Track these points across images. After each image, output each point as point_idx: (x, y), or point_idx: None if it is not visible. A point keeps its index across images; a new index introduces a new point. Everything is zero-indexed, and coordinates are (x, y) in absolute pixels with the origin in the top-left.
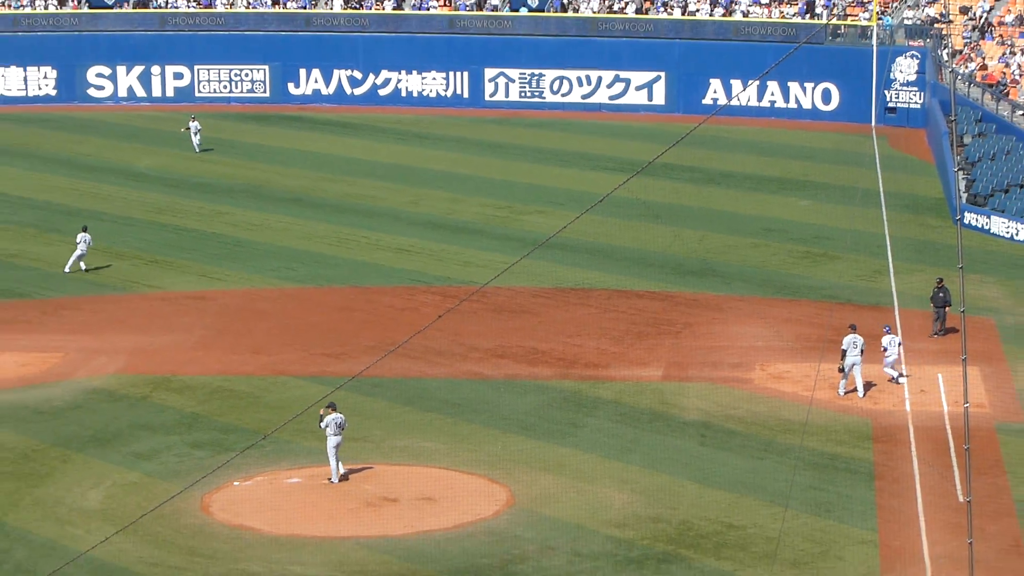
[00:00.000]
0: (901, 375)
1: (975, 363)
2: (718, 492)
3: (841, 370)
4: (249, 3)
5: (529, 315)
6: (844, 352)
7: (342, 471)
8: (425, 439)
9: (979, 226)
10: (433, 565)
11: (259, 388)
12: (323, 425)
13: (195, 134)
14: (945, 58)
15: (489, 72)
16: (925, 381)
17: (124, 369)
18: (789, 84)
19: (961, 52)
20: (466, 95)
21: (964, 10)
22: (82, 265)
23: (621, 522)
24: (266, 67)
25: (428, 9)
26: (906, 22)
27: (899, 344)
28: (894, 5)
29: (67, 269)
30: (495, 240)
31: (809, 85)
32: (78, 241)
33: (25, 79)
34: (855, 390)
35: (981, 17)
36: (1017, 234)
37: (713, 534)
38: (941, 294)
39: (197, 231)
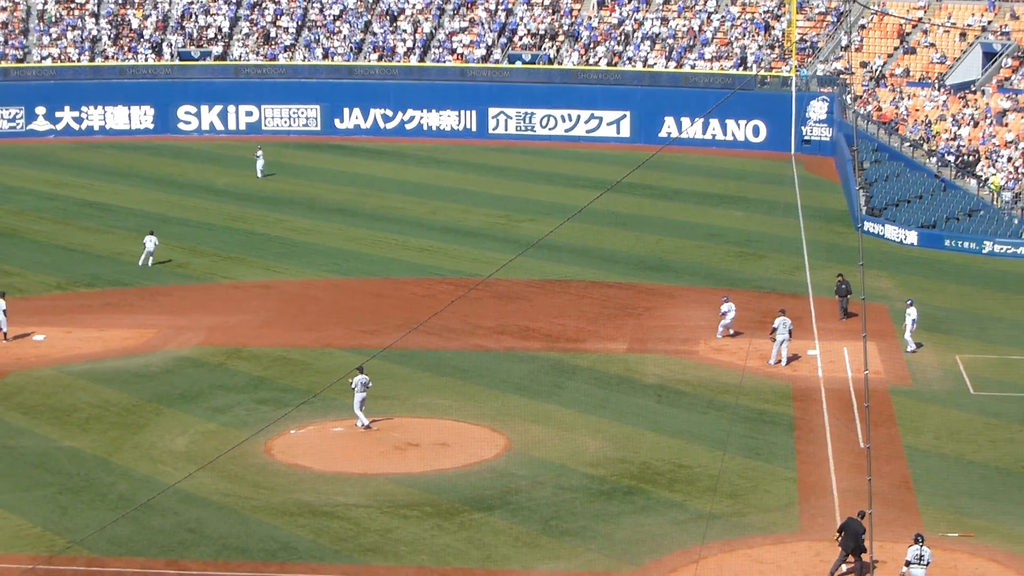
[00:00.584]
0: (784, 361)
1: (873, 339)
2: (671, 439)
3: (772, 340)
4: (305, 57)
5: (523, 301)
6: (774, 329)
7: (366, 422)
8: (441, 397)
9: (875, 232)
10: (447, 496)
11: (311, 357)
12: (352, 384)
13: (260, 163)
14: (848, 101)
15: (492, 111)
16: (833, 354)
17: (205, 342)
18: (727, 121)
19: (861, 97)
20: (474, 128)
21: (863, 64)
22: (150, 261)
23: (595, 463)
24: (318, 106)
25: (445, 62)
26: (818, 73)
27: (789, 328)
28: (809, 60)
29: (140, 264)
30: (496, 242)
31: (743, 122)
32: (145, 242)
33: (129, 116)
34: (780, 361)
35: (876, 70)
36: (905, 239)
37: (667, 472)
38: (843, 286)
39: (263, 234)
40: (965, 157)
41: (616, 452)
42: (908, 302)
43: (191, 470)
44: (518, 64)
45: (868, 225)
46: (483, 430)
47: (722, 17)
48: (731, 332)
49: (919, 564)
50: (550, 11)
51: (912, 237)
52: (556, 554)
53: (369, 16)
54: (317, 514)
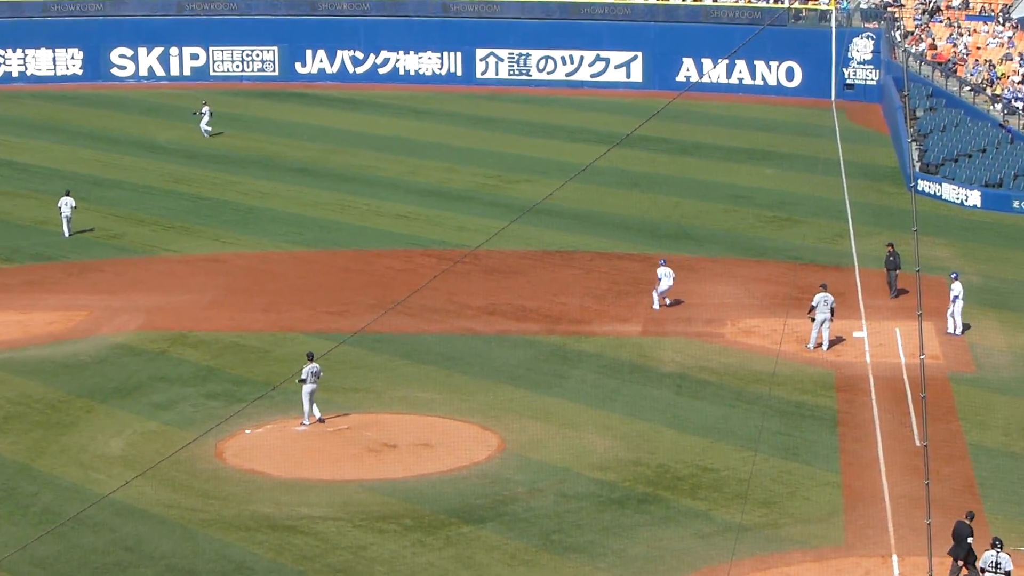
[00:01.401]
0: (826, 344)
1: (929, 319)
2: (693, 438)
3: (812, 320)
4: None
5: (518, 275)
6: (813, 307)
7: (316, 415)
8: (422, 390)
9: (931, 192)
10: (430, 505)
11: (269, 343)
12: (302, 376)
13: (205, 121)
14: (898, 39)
15: (480, 52)
16: (883, 335)
17: (144, 326)
18: (755, 63)
19: (912, 33)
20: (459, 73)
21: None
22: (66, 230)
23: (604, 465)
24: (275, 48)
25: None
26: (862, 5)
27: (831, 306)
28: None
29: (66, 235)
30: (486, 206)
31: (774, 63)
32: (60, 205)
33: (54, 60)
34: (821, 344)
35: (930, 2)
36: (966, 200)
37: (689, 476)
38: (892, 258)
39: (212, 199)
40: None
41: (629, 453)
42: (952, 275)
43: (128, 477)
44: None
45: (923, 184)
46: (472, 428)
47: None
48: (667, 301)
49: (995, 572)
50: None
51: (974, 198)
52: (559, 574)
53: None
54: (278, 528)
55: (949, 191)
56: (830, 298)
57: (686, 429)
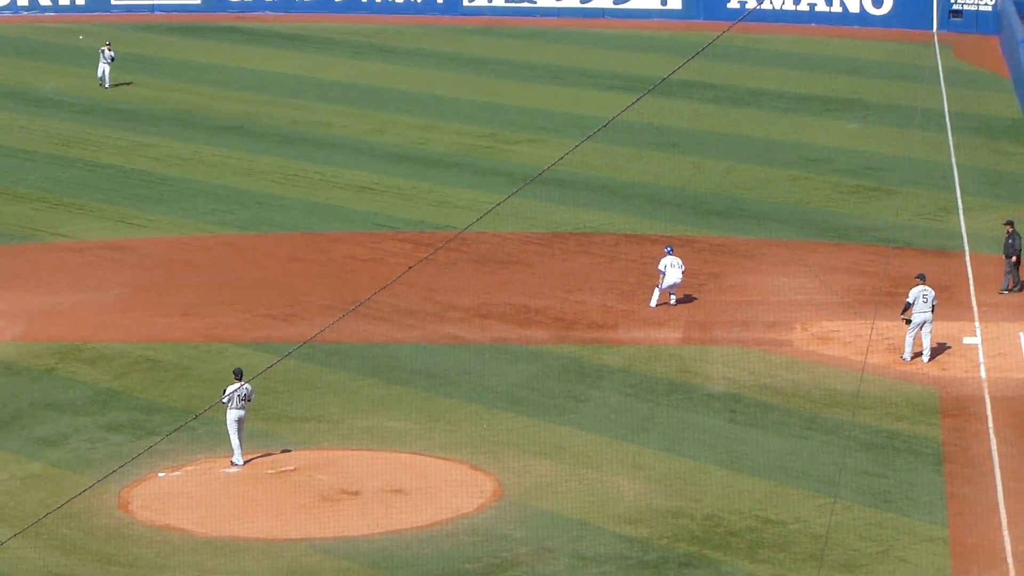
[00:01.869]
0: (927, 354)
1: None
2: (752, 479)
3: (907, 321)
4: None
5: (520, 266)
6: (909, 306)
7: (240, 459)
8: (393, 418)
9: None
10: (404, 572)
11: (189, 358)
12: (224, 399)
13: (105, 67)
14: None
15: None
16: (1004, 341)
17: (24, 336)
18: None
19: None
20: (440, 0)
21: None
22: None
23: (634, 517)
24: None
25: None
26: None
27: (933, 304)
28: None
29: None
30: (477, 175)
31: None
32: None
33: None
34: (921, 354)
35: None
36: None
37: (746, 531)
38: (1011, 241)
39: (114, 167)
40: None
41: (667, 500)
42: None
43: (3, 537)
44: None
45: None
46: (460, 468)
47: None
48: (672, 299)
49: None
50: None
51: None
52: None
53: None
54: None
55: None
56: (931, 293)
57: (742, 468)
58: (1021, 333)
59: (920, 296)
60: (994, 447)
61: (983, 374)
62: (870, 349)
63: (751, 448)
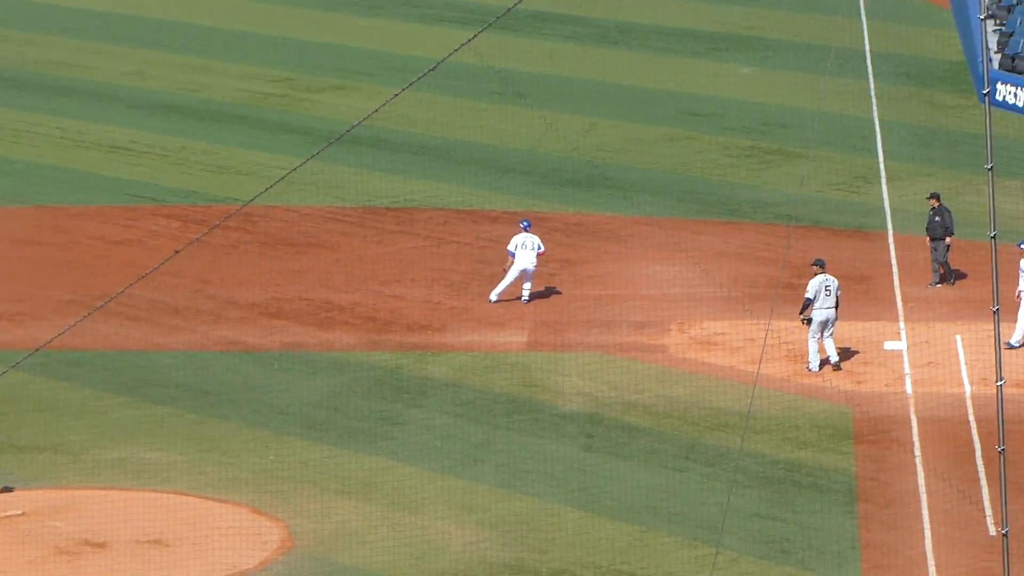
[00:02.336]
0: (834, 359)
1: (1015, 317)
2: (613, 524)
3: (807, 322)
4: None
5: (321, 250)
6: (809, 302)
7: None
8: (153, 447)
9: (1019, 104)
10: None
11: None
12: None
13: None
14: None
15: None
16: (935, 347)
17: None
18: None
19: None
20: None
21: None
22: None
23: (463, 573)
24: None
25: None
26: None
27: (837, 295)
28: None
29: None
30: (266, 132)
31: None
32: None
33: None
34: (829, 361)
35: None
36: None
37: None
38: (937, 218)
39: None
40: None
41: (504, 551)
42: (1022, 246)
43: None
44: None
45: (1004, 91)
46: (238, 512)
47: None
48: (525, 294)
49: None
50: None
51: None
52: None
53: None
54: None
55: None
56: (834, 283)
57: (601, 510)
58: (958, 337)
59: (822, 288)
60: (921, 482)
61: (908, 388)
62: (765, 357)
63: (613, 484)
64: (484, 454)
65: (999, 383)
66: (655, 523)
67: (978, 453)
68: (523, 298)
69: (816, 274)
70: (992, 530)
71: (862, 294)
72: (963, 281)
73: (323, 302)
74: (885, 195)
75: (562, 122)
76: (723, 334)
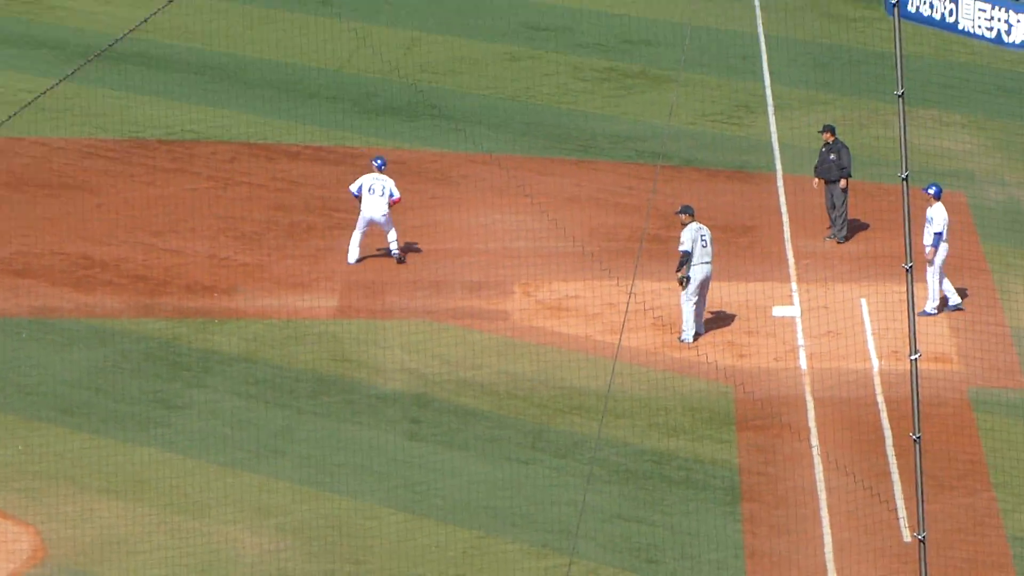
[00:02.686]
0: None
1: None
2: (444, 528)
3: (684, 281)
4: None
5: (78, 193)
6: (688, 256)
7: None
8: None
9: (935, 16)
10: None
11: None
12: None
13: None
14: None
15: None
16: (835, 313)
17: None
18: None
19: None
20: None
21: None
22: None
23: None
24: None
25: None
26: None
27: (707, 247)
28: None
29: None
30: (8, 46)
31: None
32: None
33: None
34: (700, 331)
35: None
36: (1008, 31)
37: None
38: (832, 156)
39: None
40: None
41: (310, 562)
42: (929, 189)
43: None
44: None
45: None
46: None
47: None
48: (394, 250)
49: None
50: None
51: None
52: None
53: None
54: None
55: (971, 13)
56: (708, 233)
57: (429, 510)
58: (863, 300)
59: (698, 239)
60: (820, 477)
61: (803, 363)
62: (628, 325)
63: (444, 479)
64: (284, 444)
65: (913, 357)
66: (495, 527)
67: (888, 442)
68: (393, 253)
69: (686, 223)
70: (906, 535)
71: (745, 249)
72: (867, 232)
73: (81, 257)
74: (772, 128)
75: (377, 36)
76: (577, 297)
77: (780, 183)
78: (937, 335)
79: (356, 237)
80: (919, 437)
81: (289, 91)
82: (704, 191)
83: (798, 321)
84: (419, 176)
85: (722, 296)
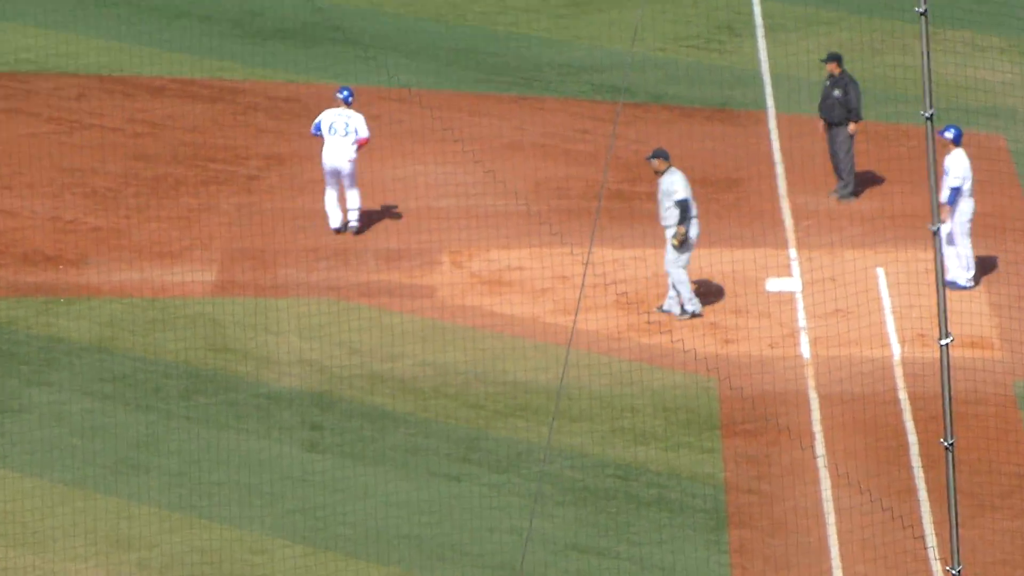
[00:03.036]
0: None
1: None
2: (353, 563)
3: (680, 244)
4: None
5: None
6: (686, 207)
7: None
8: None
9: None
10: None
11: None
12: None
13: None
14: None
15: None
16: (846, 288)
17: None
18: None
19: None
20: None
21: None
22: None
23: None
24: None
25: None
26: None
27: (680, 205)
28: None
29: None
30: None
31: None
32: None
33: None
34: (684, 306)
35: None
36: None
37: None
38: (837, 92)
39: None
40: None
41: None
42: (946, 132)
43: None
44: None
45: None
46: None
47: None
48: (353, 219)
49: None
50: None
51: None
52: None
53: None
54: None
55: None
56: (679, 184)
57: (334, 542)
58: (879, 271)
59: (666, 193)
60: (826, 496)
61: (805, 351)
62: (585, 303)
63: (352, 501)
64: (149, 458)
65: (944, 342)
66: (418, 561)
67: (913, 450)
68: (351, 225)
69: (661, 170)
70: (937, 569)
71: (731, 207)
72: (883, 187)
73: None
74: (762, 55)
75: None
76: (520, 269)
77: (772, 124)
78: (974, 314)
79: (330, 196)
80: (952, 444)
81: (152, 10)
82: (678, 135)
83: (798, 297)
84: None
85: (703, 267)
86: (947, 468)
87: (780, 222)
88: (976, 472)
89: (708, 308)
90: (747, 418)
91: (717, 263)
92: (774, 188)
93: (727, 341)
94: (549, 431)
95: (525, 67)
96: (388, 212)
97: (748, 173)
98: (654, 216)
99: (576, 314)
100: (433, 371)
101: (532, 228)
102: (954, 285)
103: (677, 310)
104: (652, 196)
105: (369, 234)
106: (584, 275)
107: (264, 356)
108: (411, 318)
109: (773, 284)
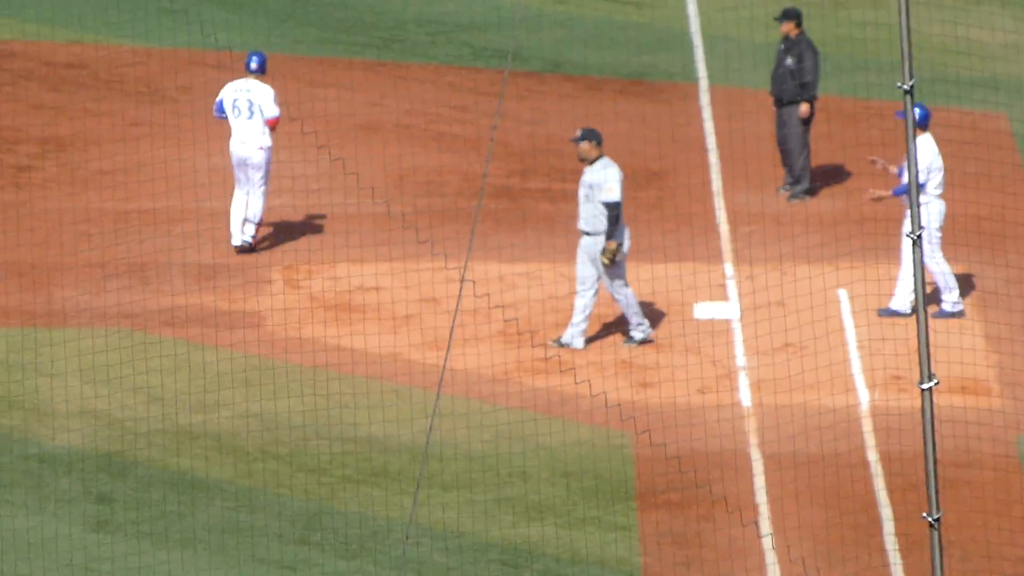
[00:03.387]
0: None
1: (954, 253)
2: None
3: (613, 257)
4: None
5: None
6: (618, 211)
7: None
8: None
9: None
10: None
11: None
12: None
13: None
14: None
15: None
16: (798, 314)
17: None
18: None
19: None
20: None
21: None
22: None
23: None
24: None
25: None
26: None
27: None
28: None
29: None
30: None
31: None
32: None
33: None
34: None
35: None
36: None
37: None
38: (790, 60)
39: None
40: None
41: None
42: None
43: None
44: None
45: None
46: None
47: None
48: (247, 234)
49: None
50: None
51: None
52: None
53: None
54: None
55: None
56: (614, 177)
57: None
58: (841, 292)
59: (588, 183)
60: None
61: (745, 396)
62: (460, 333)
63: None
64: None
65: (926, 386)
66: None
67: (888, 527)
68: (244, 241)
69: (592, 158)
70: None
71: (651, 208)
72: (847, 182)
73: None
74: (692, 10)
75: None
76: (377, 289)
77: (705, 100)
78: (966, 349)
79: (238, 201)
80: (938, 519)
81: None
82: (583, 113)
83: (736, 327)
84: (110, 89)
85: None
86: (932, 551)
87: (714, 228)
88: (969, 556)
89: (618, 340)
90: (671, 485)
91: (632, 281)
92: (706, 183)
93: (645, 384)
94: (413, 503)
95: (384, 24)
96: (200, 213)
97: (673, 163)
98: (554, 219)
99: (448, 348)
100: (260, 424)
101: (393, 235)
102: (888, 313)
103: (580, 343)
104: (547, 194)
105: (174, 242)
106: (460, 297)
107: (35, 406)
108: (231, 355)
109: (703, 310)
